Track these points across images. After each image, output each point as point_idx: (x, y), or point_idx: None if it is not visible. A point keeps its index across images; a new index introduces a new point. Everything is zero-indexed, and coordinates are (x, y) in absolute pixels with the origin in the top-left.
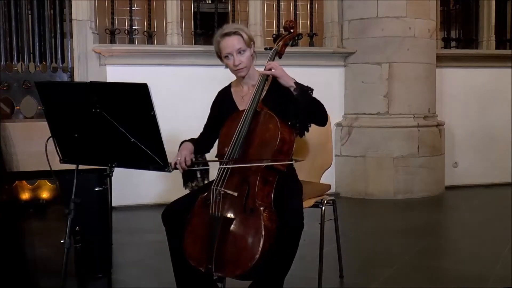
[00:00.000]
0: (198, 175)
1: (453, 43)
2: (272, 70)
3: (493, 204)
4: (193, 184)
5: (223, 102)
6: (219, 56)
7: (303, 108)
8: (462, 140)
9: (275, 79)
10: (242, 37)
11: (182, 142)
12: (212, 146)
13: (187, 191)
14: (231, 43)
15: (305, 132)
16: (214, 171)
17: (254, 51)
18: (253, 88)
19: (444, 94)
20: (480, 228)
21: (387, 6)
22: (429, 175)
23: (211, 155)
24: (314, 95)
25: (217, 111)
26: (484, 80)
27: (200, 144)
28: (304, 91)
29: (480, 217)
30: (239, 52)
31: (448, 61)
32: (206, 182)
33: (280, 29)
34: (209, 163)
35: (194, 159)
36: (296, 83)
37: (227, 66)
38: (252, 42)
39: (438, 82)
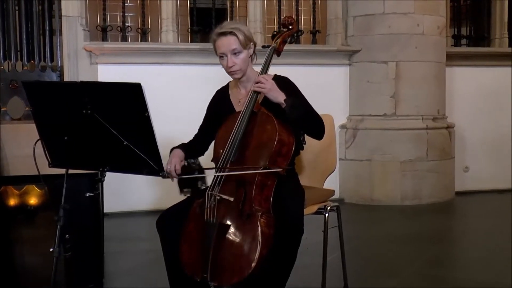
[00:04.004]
0: (194, 181)
1: (463, 41)
2: (261, 85)
3: (505, 211)
4: (189, 190)
5: (220, 103)
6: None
7: (294, 125)
8: (473, 143)
9: (275, 79)
10: (238, 37)
11: (171, 150)
12: (207, 149)
13: (182, 197)
14: (226, 43)
15: (301, 147)
16: (209, 175)
17: (254, 52)
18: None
19: (454, 94)
20: (491, 235)
21: (393, 2)
22: (438, 180)
23: (207, 157)
24: (316, 97)
25: (213, 112)
26: (497, 79)
27: (194, 147)
28: (295, 107)
29: (492, 224)
30: (234, 53)
31: (459, 60)
32: (203, 187)
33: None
34: (204, 169)
35: (186, 164)
36: (286, 100)
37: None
38: (251, 43)
39: (448, 82)
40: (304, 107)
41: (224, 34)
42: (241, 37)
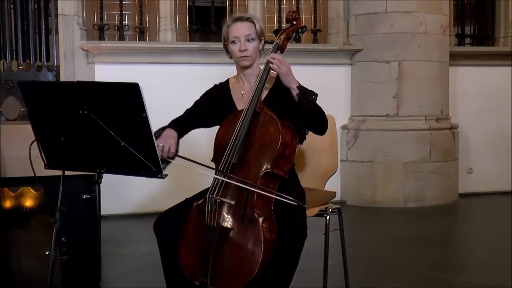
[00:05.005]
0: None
1: (467, 40)
2: (279, 65)
3: (510, 213)
4: None
5: (220, 98)
6: (225, 45)
7: (302, 114)
8: (477, 144)
9: (278, 77)
10: (255, 25)
11: (164, 128)
12: (184, 135)
13: (180, 200)
14: (242, 28)
15: (303, 140)
16: (209, 177)
17: (263, 48)
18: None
19: (458, 94)
20: (496, 238)
21: (396, 1)
22: (441, 182)
23: (206, 157)
24: (318, 97)
25: (210, 105)
26: (501, 79)
27: (180, 130)
28: (307, 95)
29: (496, 227)
30: (247, 40)
31: (462, 59)
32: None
33: (282, 25)
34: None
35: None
36: (299, 86)
37: (230, 56)
38: (263, 37)
39: (451, 82)
40: (314, 97)
41: (241, 19)
42: (257, 26)
